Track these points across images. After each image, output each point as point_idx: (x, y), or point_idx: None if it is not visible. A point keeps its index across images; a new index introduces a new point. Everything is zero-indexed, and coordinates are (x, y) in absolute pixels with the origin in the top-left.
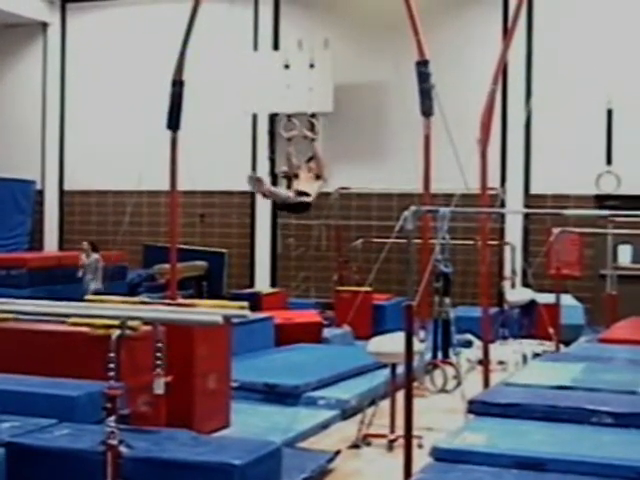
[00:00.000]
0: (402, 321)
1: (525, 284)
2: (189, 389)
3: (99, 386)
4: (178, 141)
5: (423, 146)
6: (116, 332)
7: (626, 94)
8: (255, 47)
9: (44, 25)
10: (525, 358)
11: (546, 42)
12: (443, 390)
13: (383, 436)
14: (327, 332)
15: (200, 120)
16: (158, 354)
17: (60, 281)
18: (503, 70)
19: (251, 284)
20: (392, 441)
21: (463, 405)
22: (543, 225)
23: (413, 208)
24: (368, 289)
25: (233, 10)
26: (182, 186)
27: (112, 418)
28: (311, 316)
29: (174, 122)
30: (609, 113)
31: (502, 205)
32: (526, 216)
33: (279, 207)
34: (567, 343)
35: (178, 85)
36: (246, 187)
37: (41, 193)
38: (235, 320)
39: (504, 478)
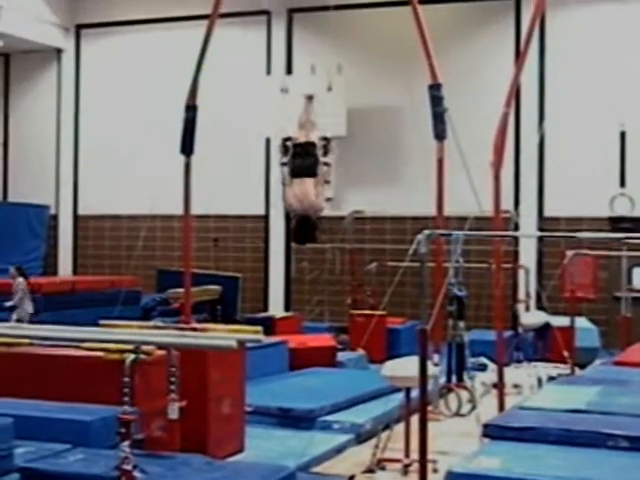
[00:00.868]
0: (416, 345)
1: (539, 307)
2: (203, 414)
3: (113, 411)
4: (192, 165)
5: (436, 170)
6: (130, 357)
7: (639, 116)
8: (268, 72)
9: (58, 51)
10: (540, 381)
11: (559, 65)
12: (458, 414)
13: (398, 460)
14: (341, 356)
15: (213, 144)
16: (172, 379)
17: (74, 306)
18: (516, 93)
19: (265, 308)
20: (407, 465)
21: (478, 429)
22: (557, 248)
23: (427, 232)
24: (382, 313)
25: (246, 35)
26: (196, 210)
27: (126, 443)
28: (325, 340)
29: (187, 147)
30: (622, 135)
31: (516, 228)
32: (540, 239)
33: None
34: (582, 366)
35: (191, 110)
36: (260, 211)
37: (55, 218)
38: (249, 344)
39: None
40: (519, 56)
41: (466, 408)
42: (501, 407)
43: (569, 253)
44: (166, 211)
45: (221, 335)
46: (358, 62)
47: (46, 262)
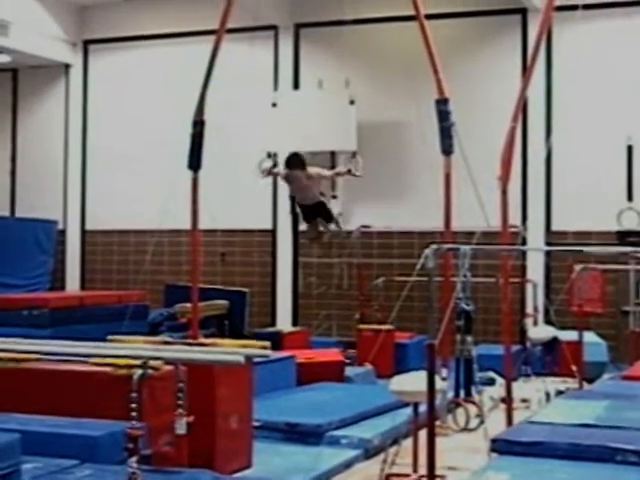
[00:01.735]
0: (424, 359)
1: (547, 321)
2: (211, 429)
3: (121, 426)
4: (199, 180)
5: (444, 184)
6: (138, 372)
7: None
8: (276, 87)
9: (66, 66)
10: (548, 396)
11: (565, 79)
12: (466, 429)
13: (406, 475)
14: (349, 371)
15: (221, 159)
16: (180, 394)
17: (82, 321)
18: (523, 107)
19: (272, 323)
20: None
21: (486, 444)
22: (565, 262)
23: (434, 246)
24: (390, 327)
25: (253, 50)
26: (203, 225)
27: (134, 458)
28: (333, 355)
29: (195, 162)
30: (629, 149)
31: (523, 242)
32: (548, 253)
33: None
34: (590, 381)
35: (199, 125)
36: (267, 225)
37: (63, 233)
38: (257, 359)
39: None
40: (526, 70)
41: (474, 423)
42: (509, 422)
43: (577, 267)
44: (174, 226)
45: (229, 350)
46: (365, 77)
47: (54, 277)
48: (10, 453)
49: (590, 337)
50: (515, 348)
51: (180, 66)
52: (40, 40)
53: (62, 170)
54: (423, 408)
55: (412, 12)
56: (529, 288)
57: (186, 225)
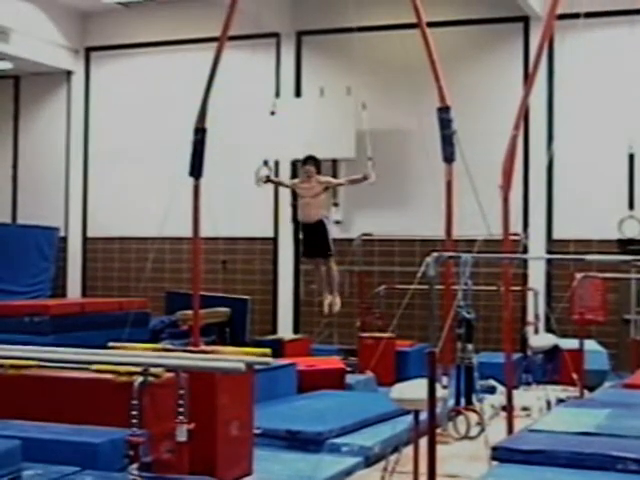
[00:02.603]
0: (425, 367)
1: (548, 329)
2: (212, 436)
3: (122, 433)
4: (201, 188)
5: (445, 192)
6: (139, 379)
7: None
8: (277, 94)
9: (68, 73)
10: (549, 404)
11: (567, 87)
12: (466, 437)
13: None
14: (350, 378)
15: (222, 167)
16: (181, 401)
17: (83, 328)
18: (525, 115)
19: (274, 330)
20: None
21: (487, 452)
22: (566, 270)
23: (435, 254)
24: (391, 335)
25: (255, 58)
26: (204, 233)
27: (135, 466)
28: (334, 362)
29: (196, 170)
30: (631, 158)
31: (524, 250)
32: (549, 261)
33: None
34: (591, 389)
35: (200, 133)
36: (268, 233)
37: (64, 240)
38: (258, 367)
39: None
40: (528, 78)
41: (475, 431)
42: (510, 430)
43: (578, 275)
44: (175, 233)
45: (230, 357)
46: (367, 85)
47: (55, 284)
48: (11, 460)
49: (591, 345)
50: (516, 356)
51: (182, 73)
52: (42, 47)
53: (63, 177)
54: (424, 416)
55: (414, 20)
56: (530, 296)
57: (187, 233)
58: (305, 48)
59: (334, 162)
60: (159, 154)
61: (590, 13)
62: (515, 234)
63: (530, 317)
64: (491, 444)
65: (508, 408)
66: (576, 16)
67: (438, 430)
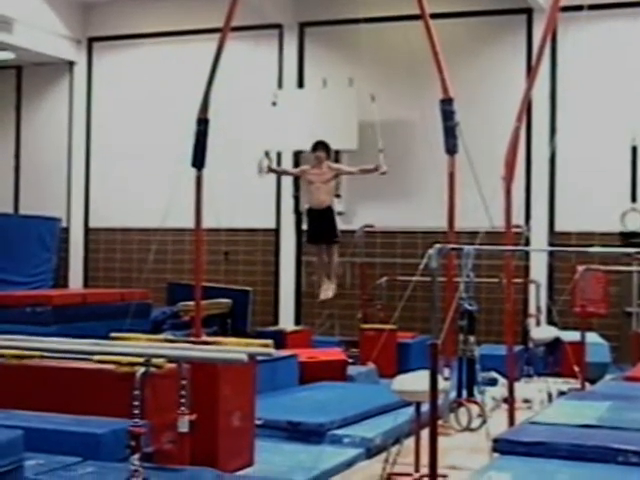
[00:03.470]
0: (427, 359)
1: (550, 322)
2: (213, 427)
3: (124, 424)
4: (203, 179)
5: (447, 184)
6: (141, 370)
7: None
8: (280, 85)
9: (71, 64)
10: (550, 396)
11: (570, 79)
12: (468, 428)
13: (408, 475)
14: (351, 370)
15: (225, 158)
16: (182, 392)
17: (85, 318)
18: (527, 107)
19: (275, 322)
20: None
21: (488, 444)
22: (568, 263)
23: (437, 246)
24: (393, 327)
25: (258, 49)
26: (206, 224)
27: (136, 456)
28: (335, 354)
29: (199, 160)
30: (634, 150)
31: (527, 243)
32: (551, 254)
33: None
34: (593, 381)
35: (203, 123)
36: (270, 224)
37: (66, 230)
38: (260, 358)
39: None
40: (530, 70)
41: (476, 423)
42: (511, 422)
43: (580, 268)
44: (177, 224)
45: (232, 348)
46: (369, 76)
47: (57, 274)
48: (13, 450)
49: (593, 338)
50: (518, 348)
51: (184, 64)
52: (44, 37)
53: (66, 167)
54: (425, 408)
55: (417, 11)
56: (532, 288)
57: (189, 224)
58: (308, 39)
59: (336, 153)
60: (161, 145)
61: (593, 5)
62: (517, 226)
63: (532, 309)
64: (492, 436)
65: (509, 400)
66: (579, 8)
67: (439, 422)
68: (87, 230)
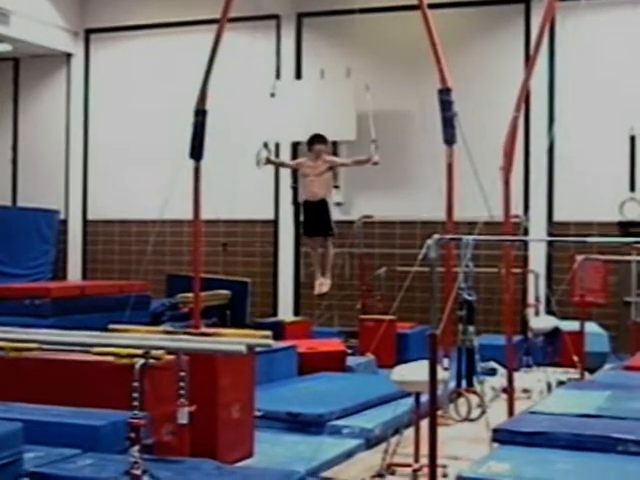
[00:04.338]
0: (426, 349)
1: (549, 311)
2: (213, 419)
3: (123, 416)
4: (201, 170)
5: (446, 174)
6: (140, 362)
7: None
8: (277, 76)
9: (68, 56)
10: (550, 386)
11: (568, 69)
12: (467, 419)
13: (407, 465)
14: (351, 361)
15: (223, 149)
16: (182, 383)
17: (84, 311)
18: (526, 97)
19: (274, 313)
20: (416, 470)
21: (488, 434)
22: (567, 252)
23: (436, 236)
24: (392, 317)
25: (255, 40)
26: (205, 215)
27: (136, 448)
28: (335, 345)
29: (197, 152)
30: (632, 140)
31: (525, 233)
32: (550, 243)
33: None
34: (592, 371)
35: (201, 115)
36: (269, 215)
37: (65, 222)
38: (259, 349)
39: None
40: (529, 60)
41: (476, 413)
42: (511, 412)
43: (579, 258)
44: (175, 216)
45: (231, 340)
46: (367, 67)
47: (55, 267)
48: (12, 442)
49: (592, 327)
50: (517, 338)
51: (182, 55)
52: (41, 29)
53: (64, 159)
54: (425, 398)
55: (415, 1)
56: (531, 278)
57: (188, 215)
58: (305, 30)
59: (334, 144)
60: (159, 136)
61: None
62: (516, 216)
63: (531, 299)
64: (492, 426)
65: (509, 390)
66: None
67: (439, 412)
68: (85, 222)
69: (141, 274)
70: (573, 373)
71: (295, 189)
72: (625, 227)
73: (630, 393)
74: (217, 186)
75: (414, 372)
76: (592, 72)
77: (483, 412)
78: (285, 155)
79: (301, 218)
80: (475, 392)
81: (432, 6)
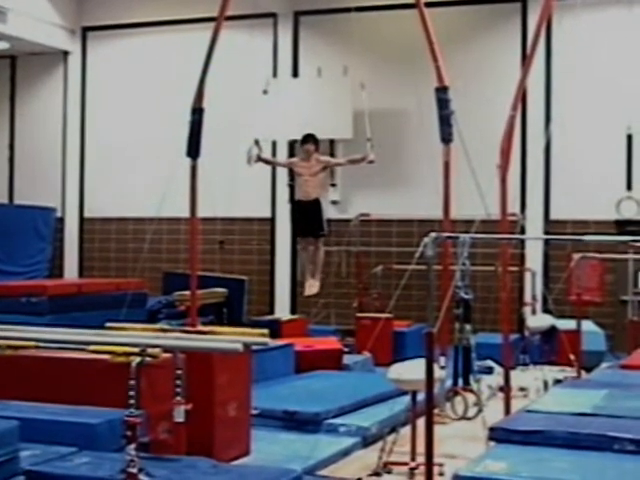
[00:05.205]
0: (422, 348)
1: (546, 310)
2: (209, 417)
3: (119, 414)
4: (198, 168)
5: (443, 172)
6: (136, 360)
7: None
8: (274, 74)
9: (65, 54)
10: (546, 385)
11: (565, 68)
12: (464, 417)
13: (404, 464)
14: (347, 359)
15: (220, 147)
16: (178, 382)
17: (80, 308)
18: (522, 96)
19: (271, 311)
20: (413, 469)
21: (484, 432)
22: (563, 251)
23: (433, 234)
24: (388, 316)
25: (253, 38)
26: (202, 213)
27: (132, 446)
28: (331, 343)
29: (194, 150)
30: (629, 138)
31: (522, 231)
32: (546, 242)
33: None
34: (588, 369)
35: (198, 113)
36: (266, 213)
37: (61, 220)
38: (255, 347)
39: None
40: (525, 59)
41: (472, 411)
42: (507, 410)
43: (575, 256)
44: (172, 214)
45: (227, 338)
46: (364, 65)
47: (52, 264)
48: (8, 440)
49: (588, 326)
50: (513, 337)
51: (179, 53)
52: (38, 27)
53: (60, 157)
54: (421, 396)
55: (412, 0)
56: (528, 277)
57: (185, 213)
58: (302, 28)
59: (331, 142)
60: (156, 134)
61: None
62: (513, 215)
63: (527, 298)
64: (488, 424)
65: (505, 389)
66: None
67: (435, 411)
68: (82, 220)
69: (138, 272)
70: (570, 372)
71: (292, 187)
72: (622, 225)
73: (626, 392)
74: (214, 184)
75: (411, 370)
76: (589, 71)
77: (480, 410)
78: (282, 153)
79: (294, 215)
80: (472, 390)
81: (429, 4)
